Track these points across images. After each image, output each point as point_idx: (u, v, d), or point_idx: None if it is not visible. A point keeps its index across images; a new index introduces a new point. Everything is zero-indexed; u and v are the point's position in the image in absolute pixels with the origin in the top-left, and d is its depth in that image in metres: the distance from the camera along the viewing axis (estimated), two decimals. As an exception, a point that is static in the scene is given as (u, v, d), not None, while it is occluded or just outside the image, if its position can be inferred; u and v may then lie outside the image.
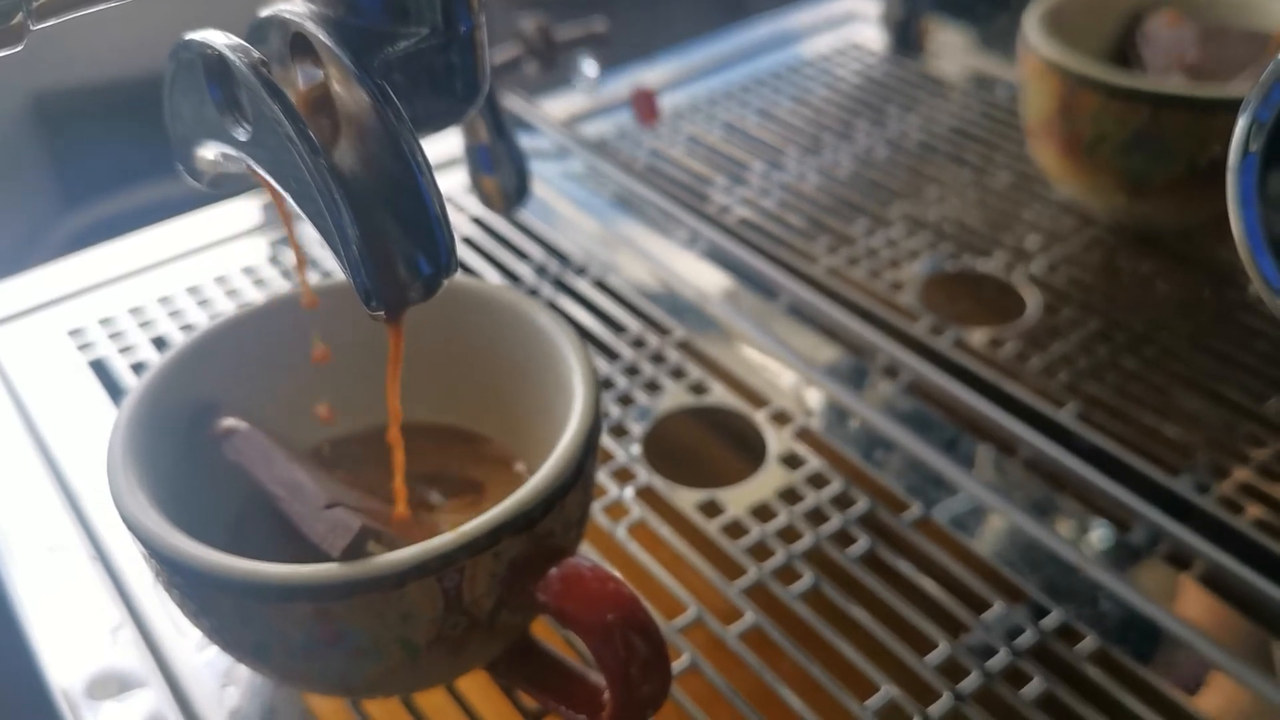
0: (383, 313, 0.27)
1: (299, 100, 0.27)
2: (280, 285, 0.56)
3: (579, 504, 0.33)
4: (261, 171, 0.27)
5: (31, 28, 0.22)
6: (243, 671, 0.38)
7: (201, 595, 0.30)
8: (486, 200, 0.51)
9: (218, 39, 0.26)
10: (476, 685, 0.37)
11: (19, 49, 0.22)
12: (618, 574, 0.40)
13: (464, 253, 0.59)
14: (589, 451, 0.33)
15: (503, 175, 0.50)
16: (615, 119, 0.70)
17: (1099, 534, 0.42)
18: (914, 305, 0.53)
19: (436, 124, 0.29)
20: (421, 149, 0.27)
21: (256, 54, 0.26)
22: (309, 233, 0.31)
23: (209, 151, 0.28)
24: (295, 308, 0.39)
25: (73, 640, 0.39)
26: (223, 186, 0.31)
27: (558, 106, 0.71)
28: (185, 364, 0.37)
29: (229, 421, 0.37)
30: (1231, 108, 0.27)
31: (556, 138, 0.68)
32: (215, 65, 0.26)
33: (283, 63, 0.28)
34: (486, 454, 0.40)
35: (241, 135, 0.27)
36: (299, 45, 0.27)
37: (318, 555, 0.32)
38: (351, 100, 0.26)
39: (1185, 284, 0.54)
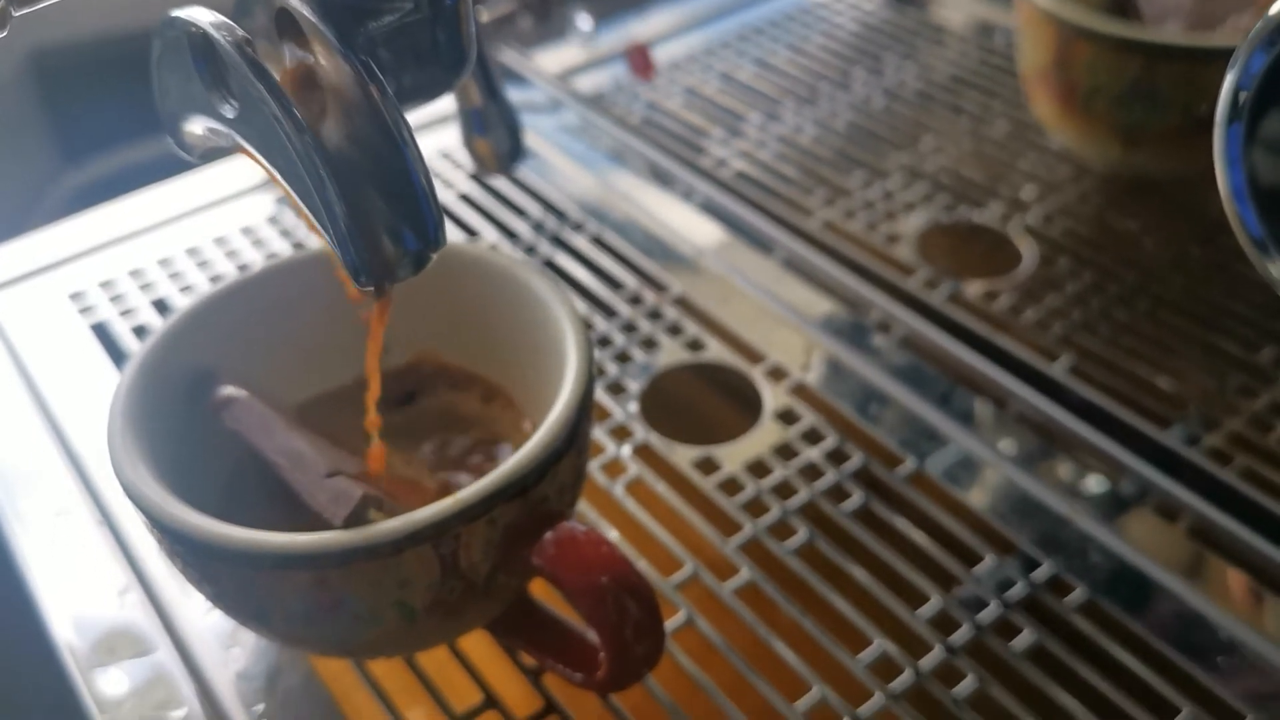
0: (371, 288, 0.27)
1: (284, 77, 0.28)
2: (279, 245, 0.56)
3: (573, 468, 0.34)
4: (249, 148, 0.27)
5: (14, 14, 0.22)
6: (248, 633, 0.38)
7: (202, 564, 0.31)
8: (480, 162, 0.51)
9: (203, 17, 0.26)
10: (477, 644, 0.38)
11: (3, 34, 0.22)
12: (613, 536, 0.41)
13: (461, 210, 0.59)
14: (582, 417, 0.33)
15: (495, 137, 0.50)
16: (610, 71, 0.69)
17: (1090, 487, 0.43)
18: (910, 258, 0.53)
19: (424, 95, 0.30)
20: (408, 125, 0.27)
21: (241, 32, 0.26)
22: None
23: (197, 127, 0.29)
24: (290, 274, 0.39)
25: (80, 603, 0.40)
26: (215, 158, 0.31)
27: (552, 59, 0.70)
28: (183, 333, 0.37)
29: (228, 390, 0.37)
30: (1227, 57, 0.27)
31: (551, 91, 0.68)
32: (200, 44, 0.26)
33: (268, 38, 0.28)
34: (490, 398, 0.41)
35: (229, 113, 0.27)
36: (284, 21, 0.27)
37: (312, 517, 0.32)
38: (337, 77, 0.26)
39: (1180, 234, 0.54)
